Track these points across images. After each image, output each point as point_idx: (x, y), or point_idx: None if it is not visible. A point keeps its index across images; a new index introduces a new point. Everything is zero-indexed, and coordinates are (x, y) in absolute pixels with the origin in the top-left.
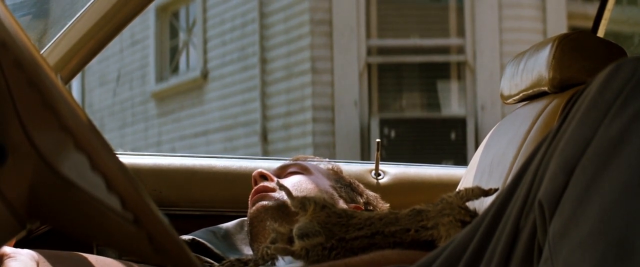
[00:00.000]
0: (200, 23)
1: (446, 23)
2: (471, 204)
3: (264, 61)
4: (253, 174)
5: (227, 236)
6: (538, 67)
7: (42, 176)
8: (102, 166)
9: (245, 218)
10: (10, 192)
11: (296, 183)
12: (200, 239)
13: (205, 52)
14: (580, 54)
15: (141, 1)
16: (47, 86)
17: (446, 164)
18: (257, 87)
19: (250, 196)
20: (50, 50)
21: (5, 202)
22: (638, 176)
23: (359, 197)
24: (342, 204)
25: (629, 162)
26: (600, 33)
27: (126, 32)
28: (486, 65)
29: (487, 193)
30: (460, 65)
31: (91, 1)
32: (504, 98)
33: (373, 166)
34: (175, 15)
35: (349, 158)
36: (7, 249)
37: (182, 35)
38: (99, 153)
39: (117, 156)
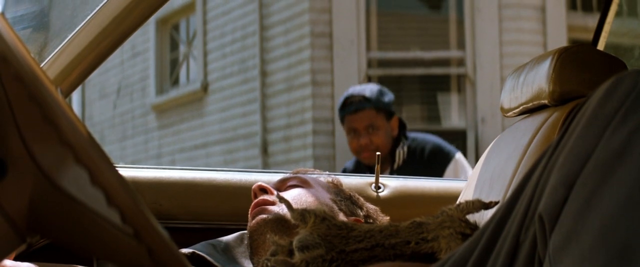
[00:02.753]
0: (200, 35)
1: (446, 36)
2: (471, 217)
3: (264, 74)
4: (253, 187)
5: (227, 249)
6: (538, 80)
7: (42, 190)
8: (102, 180)
9: (246, 231)
10: (10, 206)
11: (296, 196)
12: (200, 253)
13: (205, 64)
14: (581, 67)
15: (141, 14)
16: (47, 100)
17: None
18: (258, 99)
19: (250, 209)
20: (50, 63)
21: (5, 216)
22: (639, 189)
23: (359, 210)
24: (342, 217)
25: (630, 175)
26: (601, 46)
27: (126, 44)
28: (486, 78)
29: (487, 206)
30: (461, 78)
31: (91, 14)
32: (504, 111)
33: (373, 179)
34: (176, 27)
35: None
36: (7, 263)
37: (182, 48)
38: (99, 167)
39: (117, 169)
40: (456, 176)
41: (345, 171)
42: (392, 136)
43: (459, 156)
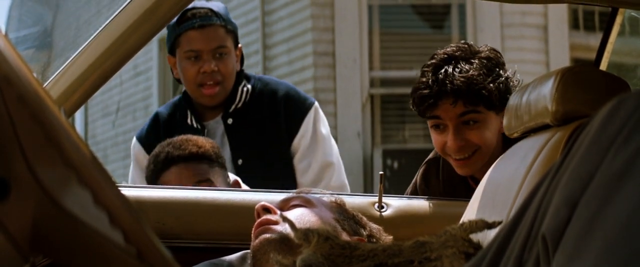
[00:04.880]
0: None
1: None
2: (475, 237)
3: None
4: (256, 207)
5: None
6: (541, 100)
7: (46, 210)
8: (106, 200)
9: (249, 251)
10: (14, 226)
11: (299, 216)
12: None
13: None
14: (583, 87)
15: (144, 35)
16: (50, 121)
17: None
18: None
19: (253, 229)
20: (53, 83)
21: (8, 236)
22: None
23: (362, 230)
24: (345, 237)
25: (632, 196)
26: (603, 65)
27: (129, 63)
28: None
29: (490, 226)
30: None
31: (94, 34)
32: (507, 130)
33: (376, 199)
34: None
35: (352, 189)
36: None
37: None
38: (102, 188)
39: (120, 190)
40: (315, 129)
41: (156, 116)
42: (237, 69)
43: (317, 105)
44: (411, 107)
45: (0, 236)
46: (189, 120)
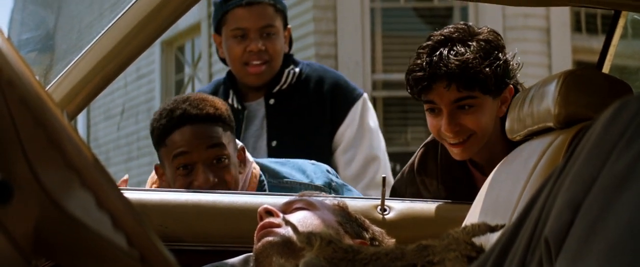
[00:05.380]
0: (205, 57)
1: None
2: (477, 240)
3: None
4: (259, 209)
5: None
6: (544, 103)
7: (48, 214)
8: (108, 203)
9: (251, 254)
10: (16, 230)
11: (302, 219)
12: None
13: None
14: (586, 90)
15: (147, 38)
16: (53, 124)
17: None
18: None
19: (255, 232)
20: (55, 86)
21: (11, 239)
22: None
23: (365, 233)
24: (348, 240)
25: (635, 199)
26: (606, 68)
27: (132, 66)
28: None
29: (493, 229)
30: None
31: (97, 38)
32: (510, 133)
33: (379, 202)
34: (181, 49)
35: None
36: None
37: (187, 70)
38: (105, 191)
39: (123, 193)
40: (362, 120)
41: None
42: (285, 51)
43: (366, 96)
44: (406, 89)
45: (2, 239)
46: (230, 100)
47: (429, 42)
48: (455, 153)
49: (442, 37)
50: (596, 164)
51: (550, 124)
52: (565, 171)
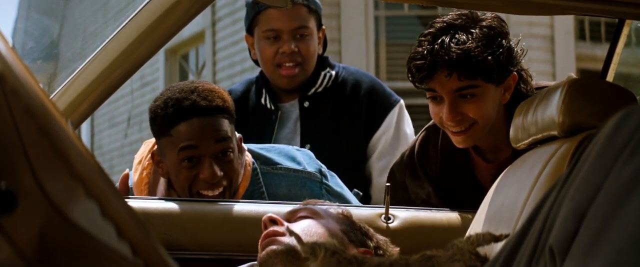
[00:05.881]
0: (209, 65)
1: None
2: (482, 250)
3: None
4: (263, 218)
5: None
6: (548, 111)
7: (53, 223)
8: (113, 212)
9: (255, 262)
10: (21, 239)
11: (306, 227)
12: None
13: None
14: (590, 98)
15: (151, 46)
16: (57, 133)
17: None
18: None
19: (260, 240)
20: (60, 94)
21: (15, 249)
22: None
23: (369, 242)
24: (352, 248)
25: (639, 208)
26: (610, 76)
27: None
28: None
29: (497, 238)
30: None
31: (101, 46)
32: (514, 142)
33: (383, 210)
34: (185, 57)
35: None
36: None
37: (191, 78)
38: (110, 200)
39: (127, 202)
40: (399, 126)
41: (229, 93)
42: (318, 52)
43: (403, 103)
44: (407, 77)
45: (7, 249)
46: (263, 100)
47: (431, 30)
48: (457, 141)
49: (444, 24)
50: (601, 173)
51: (555, 133)
52: (570, 180)
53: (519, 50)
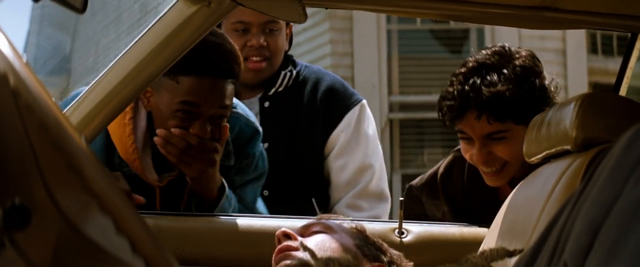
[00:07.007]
0: None
1: None
2: (495, 264)
3: None
4: (276, 233)
5: None
6: (561, 126)
7: (67, 238)
8: (127, 227)
9: None
10: (35, 254)
11: (320, 242)
12: None
13: None
14: (603, 113)
15: (164, 61)
16: (71, 148)
17: None
18: None
19: (273, 255)
20: (73, 109)
21: (29, 264)
22: None
23: (383, 256)
24: (366, 263)
25: None
26: (623, 90)
27: None
28: None
29: (511, 254)
30: None
31: (114, 61)
32: (527, 156)
33: (396, 225)
34: None
35: None
36: None
37: None
38: (124, 215)
39: (142, 217)
40: (358, 126)
41: None
42: (284, 48)
43: (365, 103)
44: (438, 115)
45: (22, 264)
46: None
47: (463, 69)
48: (490, 181)
49: (476, 64)
50: (615, 188)
51: (568, 147)
52: (584, 195)
53: (552, 88)
